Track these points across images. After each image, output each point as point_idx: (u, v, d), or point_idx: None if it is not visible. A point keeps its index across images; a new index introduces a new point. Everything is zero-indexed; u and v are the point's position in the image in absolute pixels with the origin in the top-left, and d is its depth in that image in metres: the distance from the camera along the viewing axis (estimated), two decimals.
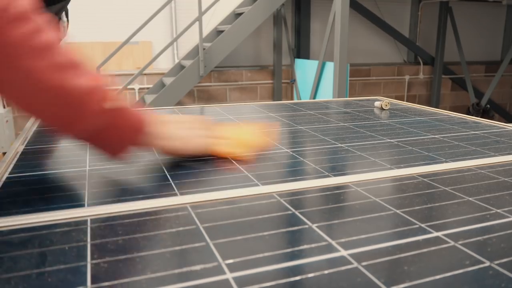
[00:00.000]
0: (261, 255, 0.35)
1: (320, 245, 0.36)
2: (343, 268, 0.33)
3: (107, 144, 0.54)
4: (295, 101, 1.18)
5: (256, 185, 0.51)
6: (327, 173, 0.56)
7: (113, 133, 0.53)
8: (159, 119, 0.59)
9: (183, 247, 0.36)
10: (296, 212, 0.43)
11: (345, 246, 0.36)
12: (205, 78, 4.28)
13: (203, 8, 3.55)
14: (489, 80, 5.28)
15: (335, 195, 0.48)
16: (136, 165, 0.59)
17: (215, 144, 0.63)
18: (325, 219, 0.41)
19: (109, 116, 0.52)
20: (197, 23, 3.55)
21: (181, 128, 0.61)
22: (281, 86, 4.70)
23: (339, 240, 0.37)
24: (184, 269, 0.33)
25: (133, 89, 4.48)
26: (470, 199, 0.47)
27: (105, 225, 0.40)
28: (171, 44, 3.76)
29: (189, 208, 0.44)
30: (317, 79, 3.86)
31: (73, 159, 0.62)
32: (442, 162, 0.60)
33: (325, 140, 0.74)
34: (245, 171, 0.56)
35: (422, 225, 0.40)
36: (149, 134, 0.56)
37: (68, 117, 0.50)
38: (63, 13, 0.89)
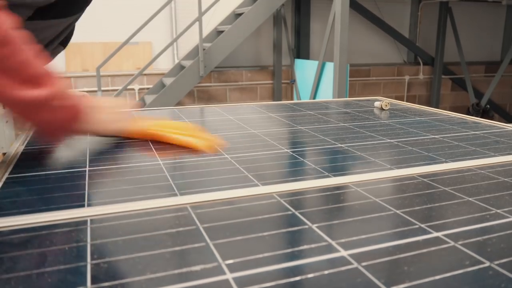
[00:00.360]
0: (261, 255, 0.35)
1: (320, 245, 0.36)
2: (343, 268, 0.33)
3: (43, 125, 0.61)
4: (295, 101, 1.18)
5: (256, 185, 0.51)
6: (327, 173, 0.56)
7: (52, 119, 0.59)
8: (91, 104, 0.66)
9: (183, 247, 0.36)
10: (296, 212, 0.43)
11: (345, 246, 0.36)
12: (205, 79, 4.28)
13: (203, 8, 3.55)
14: (489, 80, 5.28)
15: (335, 195, 0.48)
16: (136, 165, 0.59)
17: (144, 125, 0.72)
18: (325, 219, 0.41)
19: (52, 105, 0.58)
20: (197, 23, 3.55)
21: (110, 112, 0.70)
22: (281, 86, 4.70)
23: (339, 240, 0.37)
24: (184, 269, 0.33)
25: (133, 89, 4.48)
26: (470, 199, 0.47)
27: (105, 225, 0.40)
28: (171, 44, 3.77)
29: (189, 208, 0.44)
30: (317, 79, 3.86)
31: (73, 159, 0.62)
32: (442, 162, 0.60)
33: (325, 140, 0.74)
34: (245, 171, 0.56)
35: (422, 225, 0.40)
36: (84, 122, 0.63)
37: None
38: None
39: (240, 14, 3.86)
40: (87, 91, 4.38)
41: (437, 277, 0.31)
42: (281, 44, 4.56)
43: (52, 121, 0.59)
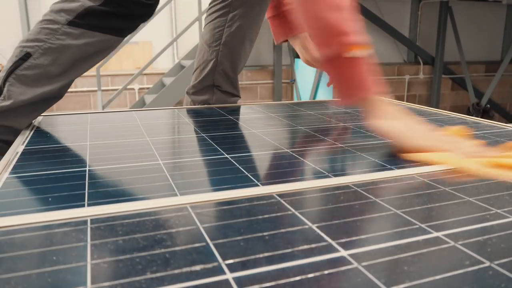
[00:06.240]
0: (261, 255, 0.35)
1: (320, 245, 0.36)
2: (343, 268, 0.33)
3: (337, 81, 0.69)
4: (295, 101, 1.19)
5: (256, 185, 0.51)
6: (327, 173, 0.56)
7: (335, 76, 0.69)
8: (389, 106, 0.68)
9: (183, 247, 0.36)
10: (296, 212, 0.43)
11: (345, 246, 0.36)
12: None
13: (203, 8, 3.55)
14: (489, 79, 5.28)
15: (335, 195, 0.48)
16: (136, 165, 0.59)
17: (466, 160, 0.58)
18: (325, 219, 0.41)
19: (338, 61, 0.66)
20: (197, 23, 3.55)
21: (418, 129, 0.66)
22: (281, 86, 4.70)
23: (339, 240, 0.37)
24: (184, 269, 0.33)
25: (133, 89, 4.48)
26: (470, 199, 0.47)
27: (105, 225, 0.40)
28: (171, 44, 3.77)
29: (189, 208, 0.44)
30: (317, 79, 3.86)
31: (73, 159, 0.62)
32: None
33: (325, 140, 0.74)
34: (245, 171, 0.56)
35: (422, 225, 0.40)
36: (367, 107, 0.68)
37: (322, 40, 0.68)
38: None
39: None
40: (86, 91, 4.38)
41: (437, 277, 0.31)
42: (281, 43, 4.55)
43: (344, 68, 0.67)
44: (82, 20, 0.78)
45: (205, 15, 1.17)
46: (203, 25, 1.15)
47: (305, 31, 1.06)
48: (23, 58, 0.77)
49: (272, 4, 1.10)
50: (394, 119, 0.66)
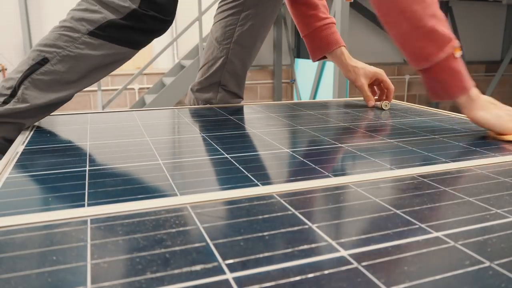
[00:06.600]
0: (261, 255, 0.35)
1: (320, 245, 0.36)
2: (343, 268, 0.33)
3: (432, 84, 0.78)
4: (295, 101, 1.19)
5: (256, 185, 0.51)
6: (327, 173, 0.56)
7: (441, 79, 0.76)
8: (480, 97, 0.77)
9: (183, 247, 0.36)
10: (296, 212, 0.43)
11: (345, 246, 0.36)
12: None
13: (203, 8, 3.55)
14: (489, 79, 5.28)
15: (335, 195, 0.48)
16: (136, 165, 0.59)
17: None
18: (325, 219, 0.41)
19: (446, 64, 0.75)
20: (197, 23, 3.55)
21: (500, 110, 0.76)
22: (281, 86, 4.70)
23: (339, 240, 0.37)
24: (184, 269, 0.33)
25: (133, 89, 4.48)
26: (470, 199, 0.47)
27: (105, 225, 0.40)
28: (171, 44, 3.77)
29: (189, 208, 0.44)
30: (317, 79, 3.86)
31: (73, 159, 0.62)
32: (442, 162, 0.60)
33: (325, 140, 0.74)
34: (245, 171, 0.56)
35: (422, 225, 0.40)
36: (466, 101, 0.76)
37: (419, 51, 0.75)
38: None
39: None
40: (86, 91, 4.38)
41: (437, 277, 0.31)
42: (281, 43, 4.56)
43: (441, 72, 0.75)
44: (103, 31, 0.79)
45: (214, 13, 1.17)
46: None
47: (342, 45, 1.12)
48: (40, 62, 0.78)
49: (303, 20, 1.10)
50: (492, 110, 0.76)
